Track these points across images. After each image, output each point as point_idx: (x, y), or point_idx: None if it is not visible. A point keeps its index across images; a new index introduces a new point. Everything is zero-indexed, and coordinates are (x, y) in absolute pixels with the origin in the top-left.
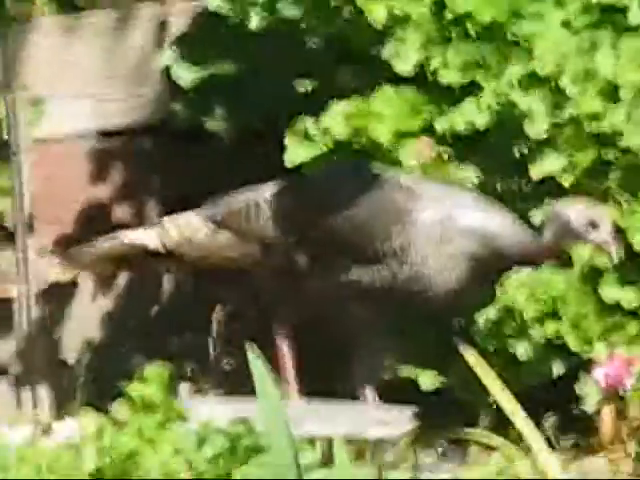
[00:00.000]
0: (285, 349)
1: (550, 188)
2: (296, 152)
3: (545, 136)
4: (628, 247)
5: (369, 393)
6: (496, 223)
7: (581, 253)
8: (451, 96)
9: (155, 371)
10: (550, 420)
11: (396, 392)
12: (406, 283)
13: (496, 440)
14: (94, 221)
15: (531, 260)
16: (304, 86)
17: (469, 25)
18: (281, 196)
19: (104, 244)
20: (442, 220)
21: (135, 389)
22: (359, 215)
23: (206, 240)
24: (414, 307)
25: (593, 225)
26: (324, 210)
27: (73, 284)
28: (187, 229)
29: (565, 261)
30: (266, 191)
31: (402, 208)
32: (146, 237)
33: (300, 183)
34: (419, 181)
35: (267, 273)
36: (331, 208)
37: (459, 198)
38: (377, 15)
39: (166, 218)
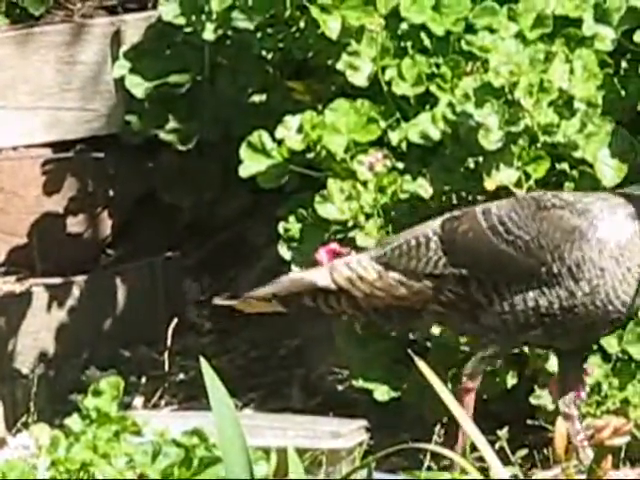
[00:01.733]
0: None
1: (504, 199)
2: (251, 163)
3: (499, 147)
4: None
5: None
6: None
7: None
8: (406, 107)
9: (109, 383)
10: (504, 432)
11: (350, 404)
12: (585, 300)
13: (450, 452)
14: (48, 233)
15: None
16: (259, 97)
17: (424, 36)
18: (451, 227)
19: (275, 285)
20: (615, 232)
21: (89, 401)
22: (528, 237)
23: (377, 279)
24: (593, 325)
25: None
26: (493, 238)
27: (27, 295)
28: (358, 267)
29: None
30: (434, 224)
31: (572, 224)
32: (316, 275)
33: (466, 215)
34: (571, 195)
35: (443, 310)
36: (499, 235)
37: (625, 206)
38: (331, 26)
39: (336, 260)
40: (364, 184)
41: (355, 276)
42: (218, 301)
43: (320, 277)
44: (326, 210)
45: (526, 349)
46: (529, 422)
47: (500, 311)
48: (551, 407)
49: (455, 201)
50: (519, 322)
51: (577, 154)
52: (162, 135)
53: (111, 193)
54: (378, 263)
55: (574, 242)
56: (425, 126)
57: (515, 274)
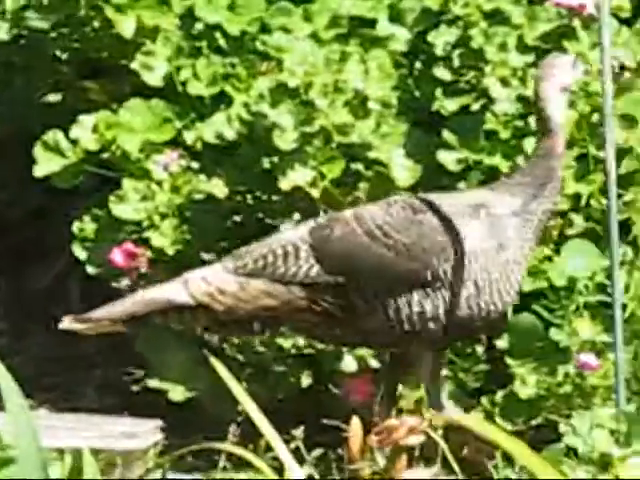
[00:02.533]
0: None
1: (299, 199)
2: (46, 163)
3: (294, 147)
4: None
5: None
6: (517, 202)
7: None
8: (201, 107)
9: None
10: (300, 431)
11: (146, 404)
12: (471, 301)
13: (245, 452)
14: None
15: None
16: (54, 97)
17: (218, 36)
18: (322, 235)
19: (125, 305)
20: (489, 229)
21: None
22: (409, 241)
23: (239, 291)
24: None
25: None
26: (371, 243)
27: None
28: (215, 280)
29: None
30: (299, 233)
31: (449, 227)
32: (170, 292)
33: (336, 220)
34: (442, 197)
35: (315, 318)
36: (377, 240)
37: (487, 202)
38: (126, 26)
39: (186, 273)
40: (159, 184)
41: (214, 289)
42: (66, 325)
43: (176, 294)
44: (121, 210)
45: (320, 346)
46: (324, 422)
47: (384, 317)
48: (346, 407)
49: (250, 201)
50: (404, 328)
51: (372, 154)
52: None
53: None
54: (238, 275)
55: (456, 244)
56: (220, 126)
57: (398, 278)
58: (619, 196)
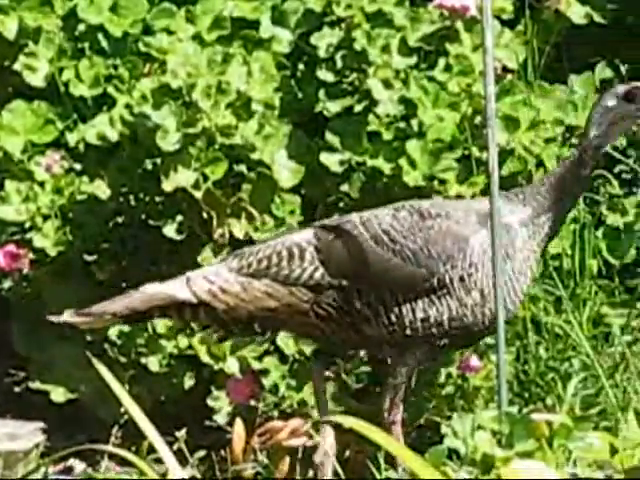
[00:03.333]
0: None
1: (182, 200)
2: None
3: (177, 149)
4: None
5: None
6: (529, 214)
7: None
8: (83, 109)
9: None
10: (182, 433)
11: (27, 405)
12: (476, 309)
13: (127, 454)
14: None
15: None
16: None
17: (101, 38)
18: (328, 237)
19: (125, 300)
20: (505, 241)
21: None
22: (416, 247)
23: (241, 291)
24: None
25: (630, 99)
26: (377, 247)
27: None
28: (218, 279)
29: None
30: (304, 235)
31: (459, 234)
32: (173, 288)
33: (347, 223)
34: (451, 203)
35: (316, 321)
36: (383, 245)
37: (511, 213)
38: (8, 27)
39: (189, 272)
40: (41, 185)
41: (217, 288)
42: (65, 319)
43: (178, 291)
44: (3, 211)
45: (201, 351)
46: (207, 423)
47: (387, 322)
48: (228, 409)
49: (133, 202)
50: (406, 333)
51: (255, 156)
52: None
53: None
54: (241, 275)
55: (465, 251)
56: (103, 127)
57: (403, 284)
58: None
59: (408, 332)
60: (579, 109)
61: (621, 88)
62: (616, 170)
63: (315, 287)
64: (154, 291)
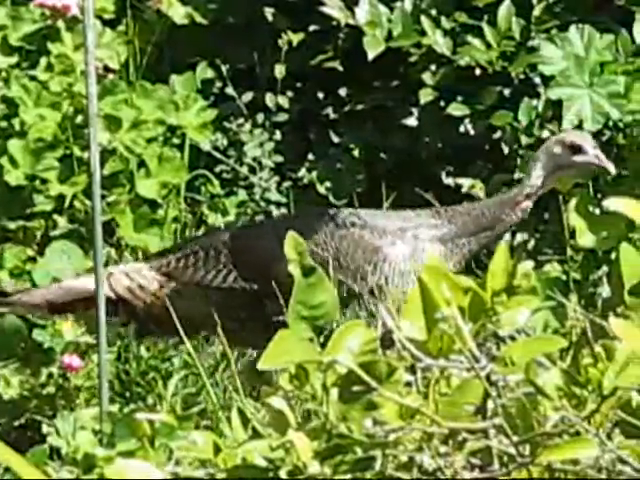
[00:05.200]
0: None
1: None
2: None
3: None
4: None
5: None
6: (451, 232)
7: None
8: None
9: None
10: None
11: None
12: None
13: None
14: None
15: (508, 222)
16: None
17: None
18: (243, 241)
19: (44, 291)
20: (412, 253)
21: None
22: (327, 255)
23: (158, 289)
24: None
25: (576, 149)
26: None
27: None
28: (137, 276)
29: None
30: (223, 236)
31: (372, 245)
32: (92, 283)
33: (260, 227)
34: (369, 214)
35: (229, 324)
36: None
37: (416, 225)
38: None
39: (111, 266)
40: None
41: (135, 285)
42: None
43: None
44: None
45: None
46: None
47: None
48: None
49: None
50: None
51: None
52: None
53: None
54: (160, 273)
55: (377, 264)
56: None
57: None
58: (103, 197)
59: None
60: (180, 109)
61: (569, 138)
62: (217, 170)
63: (227, 290)
64: (73, 285)
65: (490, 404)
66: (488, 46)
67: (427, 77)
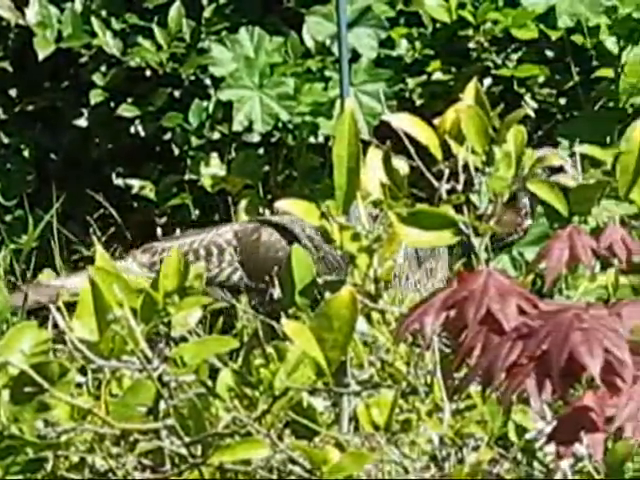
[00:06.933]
0: None
1: None
2: None
3: None
4: None
5: None
6: None
7: None
8: None
9: None
10: None
11: None
12: None
13: None
14: None
15: None
16: None
17: None
18: (249, 239)
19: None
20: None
21: None
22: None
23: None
24: None
25: None
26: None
27: None
28: (126, 274)
29: None
30: (223, 234)
31: None
32: (81, 282)
33: (266, 224)
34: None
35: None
36: (308, 251)
37: None
38: None
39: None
40: None
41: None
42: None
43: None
44: None
45: None
46: None
47: None
48: None
49: None
50: None
51: None
52: None
53: None
54: (152, 271)
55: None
56: None
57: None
58: None
59: None
60: None
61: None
62: None
63: (231, 288)
64: (62, 283)
65: (162, 405)
66: (158, 47)
67: (97, 78)
